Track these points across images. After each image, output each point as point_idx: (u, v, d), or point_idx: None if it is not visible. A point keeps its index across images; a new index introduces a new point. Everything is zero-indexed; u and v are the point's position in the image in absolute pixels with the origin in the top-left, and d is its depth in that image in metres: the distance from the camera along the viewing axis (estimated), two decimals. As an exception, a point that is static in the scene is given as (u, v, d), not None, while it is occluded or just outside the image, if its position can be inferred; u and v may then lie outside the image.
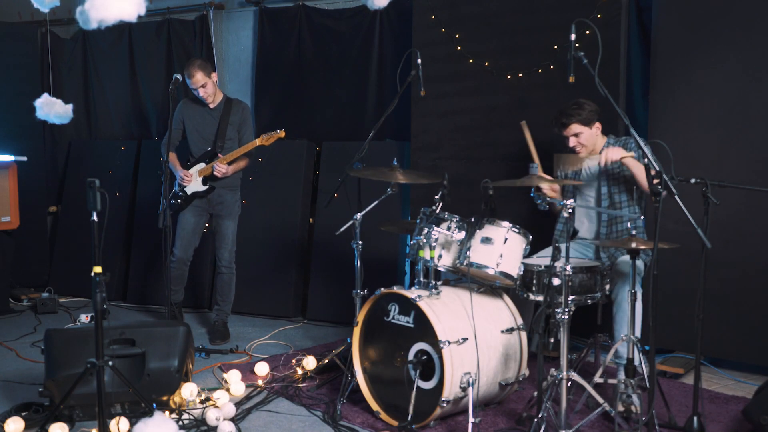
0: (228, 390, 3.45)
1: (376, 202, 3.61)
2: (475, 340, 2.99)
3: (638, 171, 3.36)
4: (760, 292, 3.72)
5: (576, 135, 3.56)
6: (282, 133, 4.24)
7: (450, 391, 2.92)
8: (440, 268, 3.30)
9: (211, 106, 4.48)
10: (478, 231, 3.21)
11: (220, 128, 4.45)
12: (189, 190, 4.48)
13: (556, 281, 2.75)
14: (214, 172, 4.36)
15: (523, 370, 3.28)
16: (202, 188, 4.46)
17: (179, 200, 4.50)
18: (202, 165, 4.46)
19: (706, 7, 3.85)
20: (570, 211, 2.81)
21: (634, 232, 2.91)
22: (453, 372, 2.90)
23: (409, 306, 3.10)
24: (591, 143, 3.59)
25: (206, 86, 4.34)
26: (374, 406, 3.23)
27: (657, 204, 2.69)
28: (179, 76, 4.07)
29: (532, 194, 3.50)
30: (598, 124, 3.57)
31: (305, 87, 5.57)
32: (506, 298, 3.38)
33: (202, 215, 4.59)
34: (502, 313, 3.28)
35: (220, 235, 4.56)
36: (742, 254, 3.76)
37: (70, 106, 3.61)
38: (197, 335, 4.52)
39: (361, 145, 3.68)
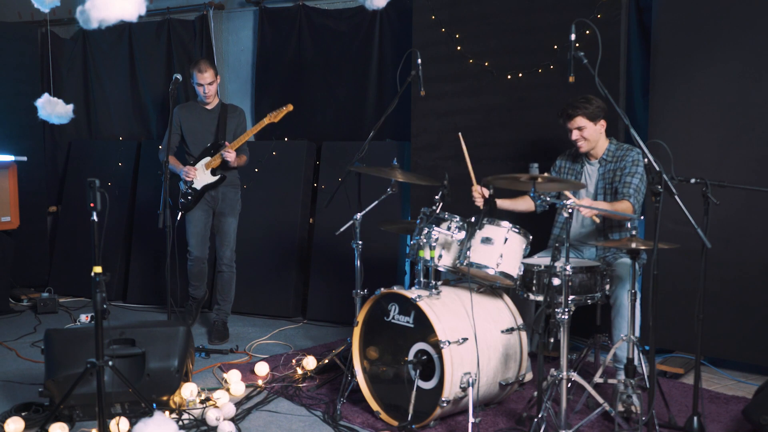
0: (228, 390, 3.45)
1: (376, 202, 3.62)
2: (475, 340, 2.99)
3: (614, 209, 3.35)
4: (760, 292, 3.72)
5: (580, 128, 3.53)
6: (290, 107, 4.29)
7: (450, 391, 2.92)
8: (440, 268, 3.29)
9: (209, 107, 4.51)
10: (478, 231, 3.20)
11: (219, 125, 4.50)
12: (198, 185, 4.49)
13: (556, 281, 2.75)
14: (225, 158, 4.37)
15: (523, 370, 3.28)
16: (213, 179, 4.47)
17: (189, 197, 4.51)
18: (207, 158, 4.47)
19: (706, 7, 3.85)
20: (570, 211, 2.81)
21: (634, 233, 2.91)
22: (453, 372, 2.90)
23: (409, 306, 3.10)
24: (594, 139, 3.56)
25: (212, 84, 4.43)
26: (374, 406, 3.23)
27: (657, 204, 2.69)
28: (179, 76, 4.08)
29: (531, 194, 3.50)
30: (603, 122, 3.54)
31: (305, 87, 5.57)
32: (506, 298, 3.38)
33: (209, 213, 4.61)
34: (502, 313, 3.28)
35: (223, 232, 4.59)
36: (742, 254, 3.76)
37: (71, 107, 3.62)
38: (197, 335, 4.52)
39: (361, 145, 3.68)
